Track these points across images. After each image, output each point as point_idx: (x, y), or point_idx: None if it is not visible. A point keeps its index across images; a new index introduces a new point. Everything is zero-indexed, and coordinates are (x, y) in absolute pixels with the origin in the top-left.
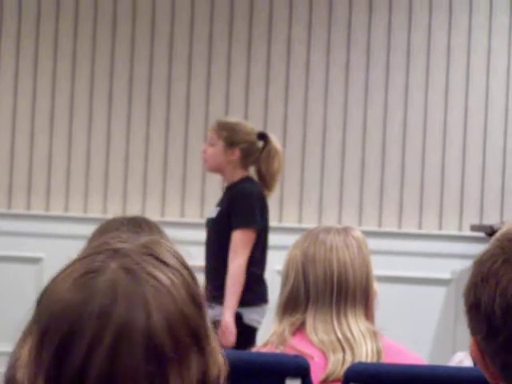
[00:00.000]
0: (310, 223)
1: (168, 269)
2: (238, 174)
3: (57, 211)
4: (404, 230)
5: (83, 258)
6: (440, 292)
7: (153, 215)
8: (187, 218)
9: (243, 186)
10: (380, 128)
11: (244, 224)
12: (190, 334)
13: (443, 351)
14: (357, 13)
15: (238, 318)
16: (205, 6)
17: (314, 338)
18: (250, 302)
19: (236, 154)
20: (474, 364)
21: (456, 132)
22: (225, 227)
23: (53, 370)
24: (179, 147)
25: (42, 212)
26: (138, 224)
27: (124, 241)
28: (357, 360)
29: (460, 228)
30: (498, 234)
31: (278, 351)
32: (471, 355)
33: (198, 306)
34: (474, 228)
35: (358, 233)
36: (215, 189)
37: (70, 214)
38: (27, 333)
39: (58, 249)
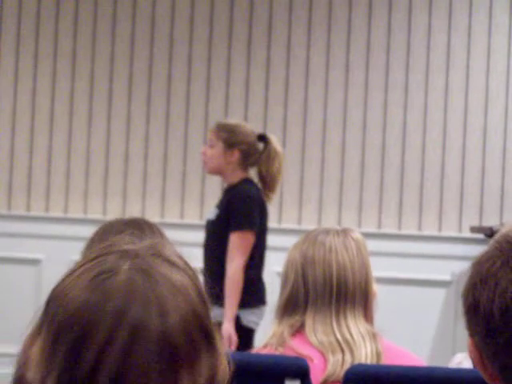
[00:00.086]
0: (309, 225)
1: (177, 269)
2: (238, 176)
3: (56, 212)
4: (404, 231)
5: (92, 259)
6: (440, 293)
7: (152, 216)
8: (187, 220)
9: (242, 187)
10: (380, 129)
11: (242, 226)
12: (202, 334)
13: (443, 353)
14: (356, 13)
15: (236, 320)
16: (205, 7)
17: (314, 340)
18: (247, 303)
19: (235, 155)
20: (474, 365)
21: (456, 132)
22: (223, 229)
23: (66, 369)
24: (179, 148)
25: (41, 213)
26: (141, 226)
27: (130, 243)
28: (356, 362)
29: (460, 230)
30: (497, 236)
31: (277, 353)
32: (470, 356)
33: (206, 306)
34: (473, 230)
35: (357, 234)
36: (215, 190)
37: (70, 215)
38: (36, 332)
39: (57, 250)
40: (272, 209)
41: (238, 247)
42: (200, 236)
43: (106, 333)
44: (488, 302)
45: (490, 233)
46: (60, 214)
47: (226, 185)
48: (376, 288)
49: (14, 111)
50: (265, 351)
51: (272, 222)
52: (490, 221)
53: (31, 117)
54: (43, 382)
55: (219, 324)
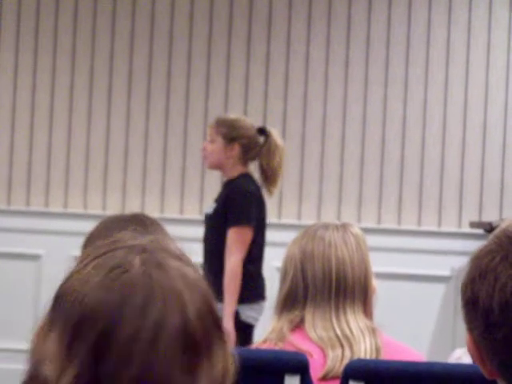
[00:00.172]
0: (309, 220)
1: (185, 263)
2: (238, 170)
3: (56, 208)
4: (403, 226)
5: (100, 255)
6: (439, 289)
7: (152, 212)
8: (186, 215)
9: (239, 182)
10: (379, 123)
11: (239, 222)
12: (216, 327)
13: (442, 348)
14: (356, 8)
15: (235, 315)
16: (204, 3)
17: (313, 335)
18: (246, 299)
19: (236, 149)
20: (473, 361)
21: (455, 127)
22: (221, 223)
23: (89, 365)
24: (179, 143)
25: (41, 209)
26: (143, 222)
27: (135, 238)
28: (356, 357)
29: (459, 225)
30: (496, 231)
31: (276, 348)
32: (468, 351)
33: (213, 300)
34: (473, 225)
35: (356, 229)
36: (214, 185)
37: (70, 210)
38: (47, 329)
39: (57, 245)
40: (271, 204)
41: (236, 242)
42: (200, 231)
43: (130, 329)
44: (487, 297)
45: (489, 228)
46: (60, 210)
47: (225, 179)
48: (375, 283)
49: (13, 107)
50: (264, 346)
51: (271, 217)
52: (490, 216)
53: (31, 112)
54: (62, 377)
55: None
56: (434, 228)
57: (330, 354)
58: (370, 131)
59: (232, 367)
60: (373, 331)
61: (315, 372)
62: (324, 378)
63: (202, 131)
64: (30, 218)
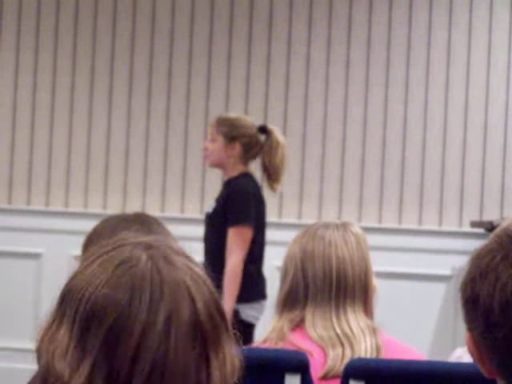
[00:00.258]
0: (309, 219)
1: (190, 259)
2: (238, 170)
3: (57, 207)
4: (404, 226)
5: (107, 252)
6: (440, 288)
7: (153, 211)
8: (187, 214)
9: (239, 182)
10: (380, 124)
11: (239, 221)
12: (222, 320)
13: (443, 347)
14: (357, 9)
15: (235, 315)
16: (205, 3)
17: (313, 334)
18: (247, 298)
19: (236, 148)
20: (473, 360)
21: (456, 128)
22: (220, 223)
23: (104, 358)
24: (179, 143)
25: (41, 207)
26: (146, 222)
27: (139, 236)
28: (356, 356)
29: (460, 224)
30: (497, 230)
31: (277, 347)
32: (468, 351)
33: (218, 294)
34: (474, 224)
35: (356, 228)
36: (215, 185)
37: (70, 209)
38: (56, 325)
39: (57, 244)
40: (272, 203)
41: (236, 242)
42: (200, 230)
43: (143, 322)
44: (488, 297)
45: (490, 227)
46: (60, 209)
47: (226, 178)
48: (376, 282)
49: (14, 106)
50: (265, 346)
51: (272, 217)
52: (491, 215)
53: (32, 112)
54: (75, 371)
55: None
56: (434, 227)
57: (331, 353)
58: (370, 132)
59: (238, 362)
60: (373, 330)
61: (316, 371)
62: (324, 377)
63: (202, 131)
64: (31, 216)
